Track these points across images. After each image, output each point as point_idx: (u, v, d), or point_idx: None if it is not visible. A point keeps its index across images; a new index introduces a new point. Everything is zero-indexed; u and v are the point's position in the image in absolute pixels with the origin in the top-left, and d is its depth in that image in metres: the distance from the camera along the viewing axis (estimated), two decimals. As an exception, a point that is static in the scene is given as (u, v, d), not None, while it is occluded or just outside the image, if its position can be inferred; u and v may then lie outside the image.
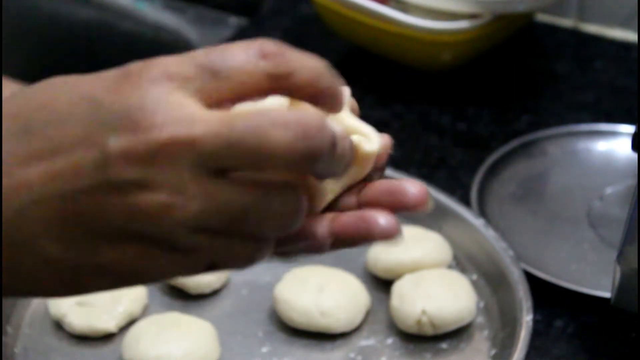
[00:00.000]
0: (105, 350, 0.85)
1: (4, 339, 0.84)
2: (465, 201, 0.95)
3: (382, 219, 0.49)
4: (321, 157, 0.44)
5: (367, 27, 1.11)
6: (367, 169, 0.51)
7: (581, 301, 0.88)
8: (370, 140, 0.51)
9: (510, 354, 0.81)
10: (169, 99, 0.43)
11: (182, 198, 0.43)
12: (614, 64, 1.19)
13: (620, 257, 0.76)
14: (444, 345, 0.85)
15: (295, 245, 0.49)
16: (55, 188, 0.44)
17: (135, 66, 0.44)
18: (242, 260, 0.46)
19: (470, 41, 1.10)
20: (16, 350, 0.84)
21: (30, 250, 0.45)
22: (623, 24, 1.24)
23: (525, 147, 1.04)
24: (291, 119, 0.43)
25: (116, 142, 0.43)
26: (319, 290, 0.85)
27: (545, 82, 1.18)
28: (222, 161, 0.43)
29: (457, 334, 0.86)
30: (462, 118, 1.11)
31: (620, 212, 0.94)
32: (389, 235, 0.49)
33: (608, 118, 1.09)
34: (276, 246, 0.48)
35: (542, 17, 1.26)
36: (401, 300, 0.85)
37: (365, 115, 1.16)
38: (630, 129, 1.05)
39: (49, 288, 0.47)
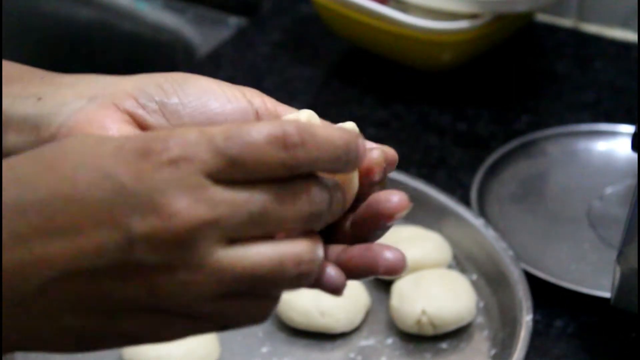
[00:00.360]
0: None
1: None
2: (465, 201, 0.95)
3: (389, 253, 0.50)
4: (321, 215, 0.47)
5: (367, 27, 1.11)
6: (353, 182, 0.51)
7: (581, 301, 0.88)
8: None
9: (510, 354, 0.81)
10: (190, 182, 0.44)
11: (202, 274, 0.45)
12: (614, 64, 1.19)
13: (620, 257, 0.76)
14: (444, 345, 0.85)
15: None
16: (77, 266, 0.44)
17: (153, 143, 0.45)
18: (255, 319, 0.47)
19: (470, 41, 1.10)
20: (16, 350, 0.84)
21: (50, 321, 0.46)
22: (623, 24, 1.24)
23: (525, 147, 1.04)
24: (300, 187, 0.46)
25: (140, 226, 0.44)
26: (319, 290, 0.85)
27: (545, 82, 1.18)
28: (242, 233, 0.45)
29: (457, 334, 0.86)
30: (462, 118, 1.11)
31: (620, 212, 0.94)
32: (394, 270, 0.50)
33: (608, 118, 1.09)
34: None
35: (542, 17, 1.26)
36: (401, 300, 0.85)
37: (365, 115, 1.17)
38: (630, 129, 1.05)
39: (63, 348, 0.47)
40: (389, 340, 0.86)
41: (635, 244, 0.75)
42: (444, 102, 1.13)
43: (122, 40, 1.30)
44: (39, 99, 0.55)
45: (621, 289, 0.78)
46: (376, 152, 0.52)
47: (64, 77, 0.57)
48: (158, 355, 0.80)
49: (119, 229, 0.44)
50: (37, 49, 1.32)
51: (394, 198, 0.50)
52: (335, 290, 0.50)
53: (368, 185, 0.52)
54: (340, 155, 0.46)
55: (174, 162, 0.44)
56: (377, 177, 0.51)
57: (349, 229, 0.52)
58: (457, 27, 1.08)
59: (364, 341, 0.86)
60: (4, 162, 0.46)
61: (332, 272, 0.49)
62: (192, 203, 0.44)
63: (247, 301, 0.46)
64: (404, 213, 0.50)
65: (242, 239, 0.45)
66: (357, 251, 0.50)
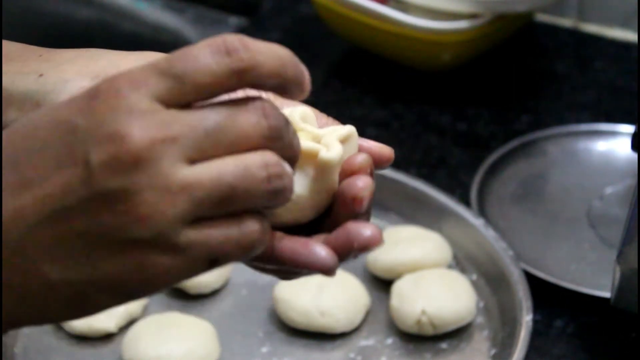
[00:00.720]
0: (105, 350, 0.85)
1: (3, 339, 0.84)
2: (465, 201, 0.95)
3: (367, 230, 0.50)
4: (281, 132, 0.46)
5: (367, 27, 1.11)
6: (331, 179, 0.52)
7: (581, 301, 0.88)
8: (330, 149, 0.51)
9: (510, 354, 0.81)
10: (140, 107, 0.44)
11: (168, 195, 0.44)
12: (614, 64, 1.19)
13: (620, 257, 0.76)
14: (443, 345, 0.85)
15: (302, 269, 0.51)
16: (46, 210, 0.45)
17: (102, 84, 0.45)
18: (241, 247, 0.46)
19: (470, 41, 1.10)
20: (16, 350, 0.84)
21: (34, 276, 0.45)
22: (623, 24, 1.24)
23: (525, 147, 1.04)
24: (253, 104, 0.46)
25: (97, 156, 0.44)
26: (318, 290, 0.85)
27: (545, 82, 1.18)
28: (201, 151, 0.45)
29: (457, 334, 0.86)
30: (462, 118, 1.11)
31: (620, 212, 0.94)
32: (371, 244, 0.50)
33: (608, 118, 1.09)
34: (283, 272, 0.51)
35: (542, 17, 1.26)
36: (401, 300, 0.85)
37: (365, 115, 1.17)
38: (630, 129, 1.05)
39: (59, 313, 0.47)
40: (389, 340, 0.86)
41: (635, 244, 0.75)
42: (444, 102, 1.13)
43: (122, 40, 1.30)
44: (40, 75, 0.56)
45: (621, 289, 0.78)
46: (361, 156, 0.52)
47: (64, 53, 0.57)
48: (158, 355, 0.80)
49: (79, 164, 0.44)
50: (37, 49, 1.32)
51: (366, 232, 0.50)
52: (328, 270, 0.49)
53: (350, 187, 0.51)
54: (286, 64, 0.47)
55: (121, 93, 0.44)
56: (360, 182, 0.51)
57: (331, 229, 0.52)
58: (457, 27, 1.08)
59: (364, 341, 0.86)
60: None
61: (321, 251, 0.49)
62: (145, 125, 0.44)
63: (226, 225, 0.45)
64: (376, 248, 0.50)
65: (204, 158, 0.45)
66: (334, 235, 0.50)
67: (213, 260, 0.46)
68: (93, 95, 0.45)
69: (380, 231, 0.50)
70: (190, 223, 0.45)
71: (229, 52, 0.45)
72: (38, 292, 0.46)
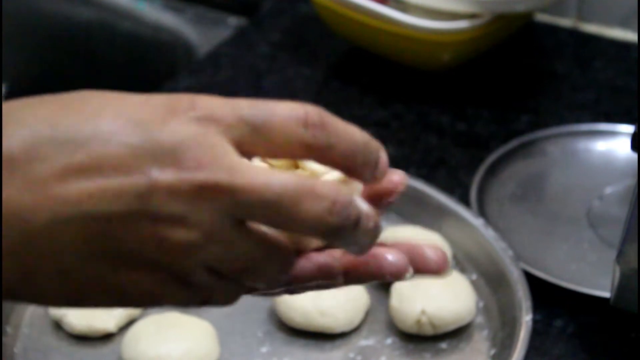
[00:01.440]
0: (105, 350, 0.85)
1: (3, 339, 0.84)
2: (465, 201, 0.95)
3: (391, 256, 0.50)
4: (344, 232, 0.46)
5: (367, 27, 1.11)
6: None
7: (581, 301, 0.88)
8: (349, 186, 0.51)
9: (509, 354, 0.81)
10: (214, 143, 0.44)
11: (210, 241, 0.45)
12: (613, 64, 1.19)
13: (620, 257, 0.76)
14: (443, 345, 0.85)
15: (310, 284, 0.51)
16: (91, 208, 0.44)
17: (182, 100, 0.45)
18: (229, 301, 0.48)
19: (470, 41, 1.10)
20: (16, 350, 0.84)
21: (50, 260, 0.45)
22: (623, 24, 1.24)
23: (525, 147, 1.04)
24: (326, 192, 0.45)
25: (162, 174, 0.43)
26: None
27: (545, 82, 1.18)
28: (252, 215, 0.45)
29: (457, 333, 0.86)
30: (462, 118, 1.11)
31: (620, 212, 0.94)
32: (398, 274, 0.50)
33: (608, 118, 1.09)
34: (289, 287, 0.51)
35: (542, 17, 1.26)
36: (401, 300, 0.85)
37: (365, 115, 1.17)
38: (629, 128, 1.05)
39: (53, 297, 0.47)
40: (389, 340, 0.86)
41: (635, 244, 0.75)
42: (444, 102, 1.13)
43: (122, 40, 1.30)
44: None
45: (621, 289, 0.78)
46: (398, 175, 0.52)
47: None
48: (157, 355, 0.80)
49: (141, 175, 0.43)
50: (37, 49, 1.32)
51: (390, 258, 0.51)
52: (402, 272, 0.50)
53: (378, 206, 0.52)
54: (358, 150, 0.47)
55: (200, 121, 0.44)
56: (392, 199, 0.52)
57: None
58: (457, 27, 1.08)
59: (364, 341, 0.86)
60: (5, 105, 0.46)
61: (389, 256, 0.50)
62: (215, 164, 0.44)
63: (233, 285, 0.47)
64: (405, 277, 0.51)
65: (244, 224, 0.45)
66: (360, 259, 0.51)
67: (205, 302, 0.48)
68: (170, 107, 0.44)
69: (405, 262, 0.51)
70: (211, 270, 0.46)
71: (307, 125, 0.45)
72: (45, 275, 0.45)
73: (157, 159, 0.43)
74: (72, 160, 0.44)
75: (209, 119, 0.44)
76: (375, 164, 0.48)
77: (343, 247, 0.48)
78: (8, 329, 0.85)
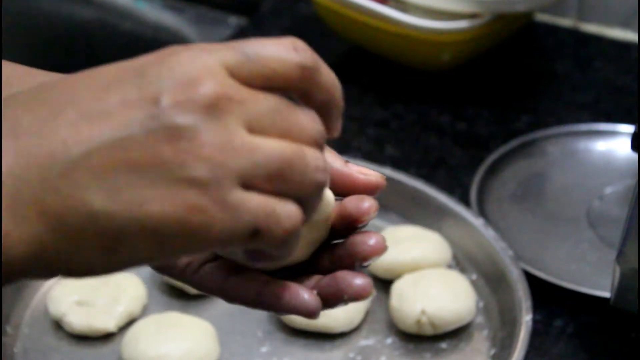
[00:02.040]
0: (105, 350, 0.85)
1: (3, 339, 0.84)
2: (465, 201, 0.95)
3: (357, 279, 0.52)
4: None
5: (367, 27, 1.11)
6: (325, 213, 0.53)
7: (580, 301, 0.88)
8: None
9: (509, 354, 0.81)
10: (213, 69, 0.45)
11: (231, 149, 0.44)
12: (613, 64, 1.19)
13: (620, 257, 0.76)
14: (443, 345, 0.85)
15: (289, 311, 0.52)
16: (105, 137, 0.43)
17: (172, 46, 0.46)
18: (282, 227, 0.46)
19: (470, 41, 1.10)
20: (16, 350, 0.84)
21: (76, 203, 0.44)
22: (623, 24, 1.24)
23: (525, 147, 1.04)
24: (306, 109, 0.48)
25: (168, 96, 0.44)
26: (318, 290, 0.85)
27: (545, 82, 1.18)
28: (261, 125, 0.45)
29: (457, 333, 0.86)
30: (462, 118, 1.11)
31: (620, 212, 0.94)
32: (361, 295, 0.52)
33: (608, 118, 1.09)
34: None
35: (542, 17, 1.26)
36: (400, 300, 0.85)
37: (365, 115, 1.17)
38: (629, 128, 1.05)
39: (89, 255, 0.45)
40: (389, 340, 0.86)
41: (635, 244, 0.75)
42: (444, 102, 1.13)
43: (122, 40, 1.30)
44: None
45: (621, 289, 0.78)
46: (367, 203, 0.54)
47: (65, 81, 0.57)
48: (157, 354, 0.80)
49: (147, 102, 0.44)
50: (37, 49, 1.32)
51: (370, 241, 0.51)
52: (310, 313, 0.52)
53: (349, 224, 0.54)
54: (337, 86, 0.49)
55: (194, 53, 0.45)
56: (362, 222, 0.54)
57: (327, 265, 0.53)
58: (457, 27, 1.08)
59: (364, 341, 0.86)
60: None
61: (305, 295, 0.51)
62: (218, 82, 0.44)
63: (273, 201, 0.46)
64: (379, 257, 0.52)
65: (262, 133, 0.45)
66: (324, 281, 0.52)
67: (254, 232, 0.45)
68: (163, 52, 0.46)
69: (370, 281, 0.51)
70: (243, 185, 0.45)
71: (296, 49, 0.47)
72: (75, 223, 0.44)
73: (161, 87, 0.44)
74: (81, 109, 0.44)
75: (203, 51, 0.45)
76: (341, 110, 0.50)
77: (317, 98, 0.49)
78: (8, 329, 0.85)
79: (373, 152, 1.05)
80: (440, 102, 1.13)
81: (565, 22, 1.26)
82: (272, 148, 0.45)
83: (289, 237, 0.46)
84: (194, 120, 0.44)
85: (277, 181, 0.45)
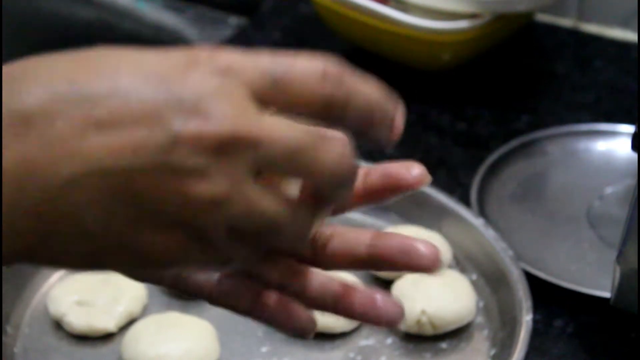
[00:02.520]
0: (105, 350, 0.85)
1: (3, 339, 0.84)
2: (465, 201, 0.95)
3: (424, 248, 0.53)
4: (353, 178, 0.47)
5: (367, 27, 1.11)
6: None
7: (581, 301, 0.88)
8: None
9: (509, 354, 0.81)
10: (236, 95, 0.43)
11: (232, 196, 0.44)
12: (613, 64, 1.19)
13: (620, 257, 0.76)
14: (443, 345, 0.85)
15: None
16: (112, 163, 0.42)
17: (202, 53, 0.44)
18: (247, 264, 0.48)
19: (470, 41, 1.10)
20: (16, 350, 0.84)
21: (70, 220, 0.43)
22: (623, 24, 1.24)
23: (525, 147, 1.04)
24: (338, 136, 0.46)
25: (185, 127, 0.42)
26: (318, 290, 0.85)
27: (545, 82, 1.18)
28: (275, 165, 0.44)
29: (457, 333, 0.86)
30: (462, 118, 1.11)
31: (620, 212, 0.94)
32: (430, 267, 0.53)
33: (608, 118, 1.09)
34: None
35: (542, 17, 1.26)
36: (400, 300, 0.85)
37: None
38: (630, 129, 1.05)
39: (71, 260, 0.45)
40: (389, 340, 0.86)
41: (635, 244, 0.75)
42: (444, 102, 1.13)
43: (122, 40, 1.29)
44: None
45: (621, 289, 0.78)
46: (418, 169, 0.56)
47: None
48: (157, 354, 0.80)
49: (163, 128, 0.42)
50: (37, 49, 1.32)
51: (414, 171, 0.52)
52: (304, 334, 0.53)
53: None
54: (375, 107, 0.48)
55: (221, 73, 0.44)
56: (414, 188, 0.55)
57: (330, 254, 0.53)
58: (457, 27, 1.08)
59: (364, 341, 0.86)
60: (21, 63, 0.45)
61: (302, 316, 0.52)
62: (237, 114, 0.43)
63: (252, 249, 0.46)
64: (425, 185, 0.52)
65: (271, 171, 0.45)
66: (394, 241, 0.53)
67: (225, 264, 0.47)
68: (190, 60, 0.44)
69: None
70: (234, 231, 0.45)
71: (325, 78, 0.45)
72: (65, 236, 0.44)
73: (178, 111, 0.42)
74: (91, 116, 0.43)
75: (229, 71, 0.44)
76: (391, 123, 0.48)
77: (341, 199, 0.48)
78: (8, 329, 0.85)
79: (373, 152, 1.05)
80: (440, 102, 1.13)
81: (565, 22, 1.26)
82: (266, 205, 0.44)
83: (297, 250, 0.48)
84: (203, 163, 0.43)
85: (260, 236, 0.46)
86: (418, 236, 0.90)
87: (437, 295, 0.85)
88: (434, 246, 0.51)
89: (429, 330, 0.85)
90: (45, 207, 0.43)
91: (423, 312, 0.84)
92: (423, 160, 1.04)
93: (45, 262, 0.46)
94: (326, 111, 0.46)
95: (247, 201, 0.44)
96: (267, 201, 0.44)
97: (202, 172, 0.43)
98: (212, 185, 0.43)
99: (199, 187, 0.43)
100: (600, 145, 1.06)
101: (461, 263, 0.92)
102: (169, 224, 0.44)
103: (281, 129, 0.44)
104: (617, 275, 0.77)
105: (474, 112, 1.12)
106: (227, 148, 0.43)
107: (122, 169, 0.43)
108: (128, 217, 0.43)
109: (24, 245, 0.44)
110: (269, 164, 0.44)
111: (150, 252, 0.44)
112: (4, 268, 0.86)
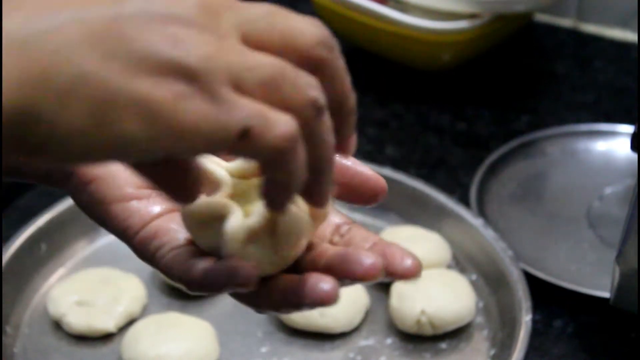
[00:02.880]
0: (105, 350, 0.85)
1: (3, 339, 0.84)
2: (465, 201, 0.95)
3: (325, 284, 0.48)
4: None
5: (367, 27, 1.11)
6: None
7: (580, 301, 0.88)
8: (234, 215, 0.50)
9: (509, 354, 0.81)
10: None
11: (224, 48, 0.43)
12: (613, 64, 1.20)
13: (620, 257, 0.76)
14: (443, 345, 0.85)
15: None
16: (103, 10, 0.43)
17: None
18: (276, 130, 0.44)
19: (470, 41, 1.10)
20: (15, 350, 0.84)
21: (64, 62, 0.42)
22: (622, 24, 1.24)
23: (525, 147, 1.04)
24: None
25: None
26: (318, 290, 0.85)
27: (544, 82, 1.18)
28: (256, 27, 0.45)
29: (457, 333, 0.86)
30: (462, 118, 1.11)
31: (620, 212, 0.94)
32: (326, 301, 0.48)
33: (607, 118, 1.09)
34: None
35: (542, 17, 1.26)
36: (400, 300, 0.85)
37: (364, 115, 1.17)
38: (629, 129, 1.05)
39: (75, 122, 0.42)
40: (389, 340, 0.86)
41: (635, 244, 0.75)
42: (444, 102, 1.13)
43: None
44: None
45: (621, 289, 0.78)
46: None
47: None
48: (157, 355, 0.80)
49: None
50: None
51: (407, 262, 0.49)
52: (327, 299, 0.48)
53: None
54: (348, 94, 0.49)
55: None
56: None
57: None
58: (456, 27, 1.08)
59: (364, 341, 0.86)
60: None
61: (248, 271, 0.48)
62: None
63: (266, 105, 0.44)
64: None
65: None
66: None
67: (244, 131, 0.44)
68: None
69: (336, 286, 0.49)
70: (234, 87, 0.44)
71: (322, 43, 0.47)
72: (62, 82, 0.42)
73: None
74: None
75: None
76: (350, 128, 0.49)
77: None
78: (8, 329, 0.85)
79: (373, 153, 1.05)
80: (440, 102, 1.13)
81: (565, 22, 1.27)
82: (264, 57, 0.44)
83: (282, 145, 0.44)
84: (189, 11, 0.43)
85: (269, 90, 0.44)
86: (418, 236, 0.91)
87: (436, 296, 0.85)
88: (376, 258, 0.50)
89: (428, 331, 0.85)
90: (34, 53, 0.42)
91: (423, 312, 0.84)
92: (422, 160, 1.05)
93: (45, 130, 0.43)
94: (319, 63, 0.46)
95: (242, 52, 0.44)
96: (259, 58, 0.44)
97: (188, 20, 0.43)
98: (199, 32, 0.43)
99: (187, 31, 0.43)
100: (600, 145, 1.06)
101: (461, 263, 0.92)
102: (163, 71, 0.43)
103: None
104: (617, 275, 0.77)
105: (474, 112, 1.12)
106: (210, 6, 0.44)
107: (108, 14, 0.43)
108: (121, 58, 0.42)
109: (18, 106, 0.42)
110: (252, 25, 0.45)
111: (154, 105, 0.43)
112: (4, 268, 0.86)
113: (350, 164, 0.53)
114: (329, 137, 0.46)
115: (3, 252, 0.87)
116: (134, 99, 0.42)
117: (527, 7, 1.10)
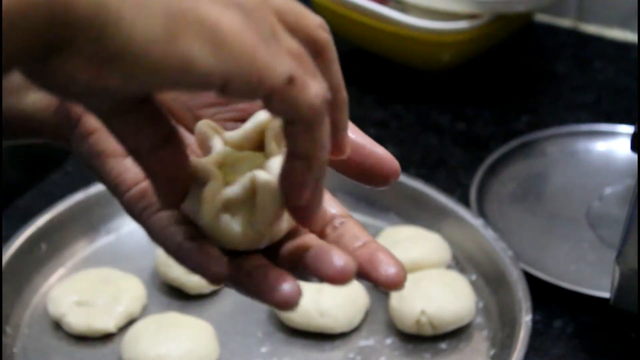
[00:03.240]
0: (104, 350, 0.85)
1: (3, 339, 0.84)
2: (465, 201, 0.95)
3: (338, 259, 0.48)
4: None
5: (367, 27, 1.11)
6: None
7: (580, 301, 0.88)
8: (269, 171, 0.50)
9: (509, 354, 0.81)
10: None
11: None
12: (613, 64, 1.20)
13: (620, 257, 0.76)
14: (443, 345, 0.85)
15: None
16: None
17: None
18: (314, 89, 0.46)
19: (470, 41, 1.10)
20: (15, 350, 0.84)
21: None
22: (622, 24, 1.24)
23: (525, 147, 1.04)
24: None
25: None
26: (318, 290, 0.85)
27: (544, 82, 1.18)
28: (280, 9, 0.48)
29: (457, 334, 0.86)
30: (462, 118, 1.11)
31: (620, 212, 0.94)
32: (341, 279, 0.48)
33: (607, 118, 1.09)
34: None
35: (542, 17, 1.26)
36: (400, 300, 0.85)
37: (364, 115, 1.17)
38: (629, 129, 1.05)
39: (152, 37, 0.42)
40: (388, 341, 0.86)
41: (635, 244, 0.75)
42: (444, 102, 1.13)
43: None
44: None
45: (620, 289, 0.78)
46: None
47: None
48: (157, 355, 0.80)
49: None
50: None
51: (390, 270, 0.49)
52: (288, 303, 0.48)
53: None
54: (340, 87, 0.52)
55: None
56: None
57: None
58: (456, 27, 1.08)
59: (363, 341, 0.86)
60: None
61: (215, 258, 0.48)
62: None
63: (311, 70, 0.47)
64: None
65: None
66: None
67: (290, 78, 0.45)
68: None
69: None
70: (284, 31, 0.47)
71: (324, 29, 0.51)
72: None
73: None
74: None
75: None
76: (344, 122, 0.51)
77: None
78: (8, 329, 0.85)
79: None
80: (440, 102, 1.13)
81: (565, 22, 1.26)
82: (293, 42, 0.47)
83: (318, 105, 0.46)
84: None
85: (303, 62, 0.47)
86: (417, 236, 0.91)
87: (436, 296, 0.85)
88: (350, 260, 0.49)
89: (428, 331, 0.85)
90: None
91: (423, 312, 0.84)
92: (422, 160, 1.05)
93: (125, 31, 0.42)
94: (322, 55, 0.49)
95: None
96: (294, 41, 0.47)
97: None
98: None
99: None
100: (600, 146, 1.06)
101: (460, 263, 0.92)
102: (229, 2, 0.44)
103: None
104: (617, 275, 0.77)
105: (474, 112, 1.12)
106: None
107: None
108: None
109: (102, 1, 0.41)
110: (283, 14, 0.48)
111: (220, 26, 0.43)
112: (4, 268, 0.86)
113: (366, 143, 0.53)
114: (327, 142, 0.47)
115: (3, 252, 0.87)
116: (202, 20, 0.43)
117: (527, 7, 1.10)
